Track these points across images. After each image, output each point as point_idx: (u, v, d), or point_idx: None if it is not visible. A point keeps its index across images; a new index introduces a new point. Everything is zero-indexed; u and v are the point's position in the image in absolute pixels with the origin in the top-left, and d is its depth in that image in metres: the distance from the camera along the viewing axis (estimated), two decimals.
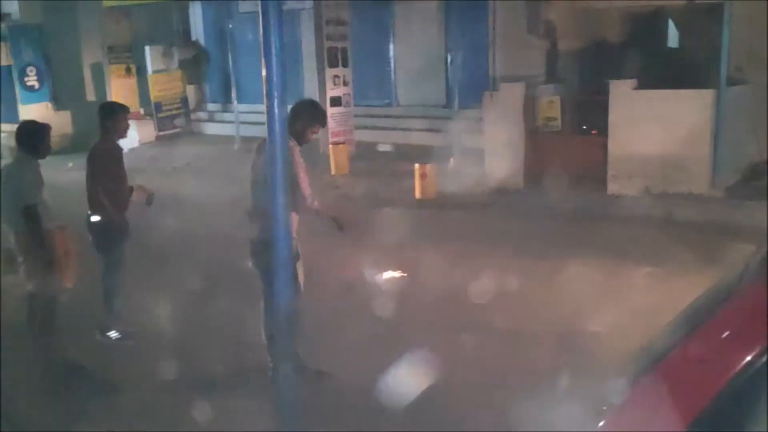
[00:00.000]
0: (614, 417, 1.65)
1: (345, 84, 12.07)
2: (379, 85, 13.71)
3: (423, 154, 10.31)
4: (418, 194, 9.32)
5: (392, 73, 13.80)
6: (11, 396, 4.41)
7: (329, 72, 11.80)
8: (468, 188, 9.28)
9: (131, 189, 5.27)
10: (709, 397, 1.45)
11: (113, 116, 5.18)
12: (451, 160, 10.52)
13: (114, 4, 14.02)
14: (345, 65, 12.04)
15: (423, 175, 9.31)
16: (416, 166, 9.40)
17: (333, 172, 10.86)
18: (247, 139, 12.94)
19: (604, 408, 1.66)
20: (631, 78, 8.96)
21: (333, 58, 11.84)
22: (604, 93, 9.00)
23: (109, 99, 13.65)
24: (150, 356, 5.13)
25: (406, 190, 9.53)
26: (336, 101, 11.91)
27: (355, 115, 12.36)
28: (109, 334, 5.33)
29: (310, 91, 11.98)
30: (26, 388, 4.63)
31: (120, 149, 5.29)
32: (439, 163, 9.62)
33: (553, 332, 4.91)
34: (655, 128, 8.53)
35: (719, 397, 1.44)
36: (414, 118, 13.10)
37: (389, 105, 13.81)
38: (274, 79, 2.29)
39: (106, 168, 5.10)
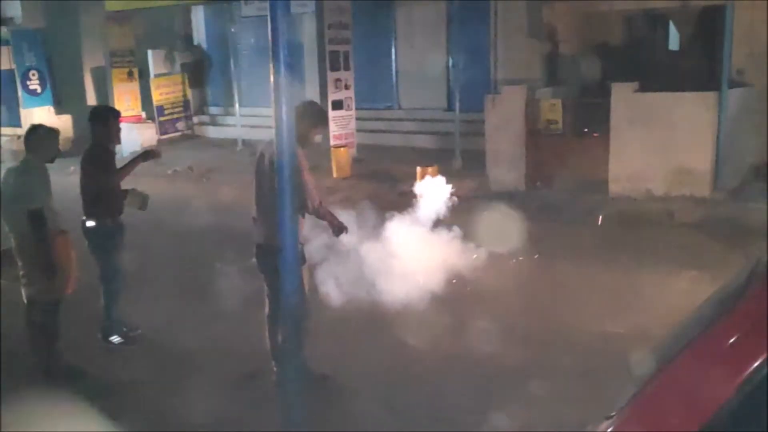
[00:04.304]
0: (622, 419, 1.65)
1: (347, 87, 12.08)
2: (381, 88, 13.73)
3: (425, 156, 10.31)
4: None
5: (394, 76, 13.81)
6: (11, 399, 4.41)
7: (331, 75, 11.81)
8: (470, 191, 9.28)
9: (125, 193, 5.26)
10: (717, 403, 1.44)
11: (104, 121, 5.18)
12: (453, 162, 10.52)
13: (116, 8, 14.05)
14: (347, 68, 12.06)
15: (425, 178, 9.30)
16: (418, 169, 9.39)
17: (335, 174, 10.87)
18: (248, 143, 12.96)
19: (613, 413, 1.66)
20: (633, 80, 8.97)
21: (335, 61, 11.85)
22: (605, 96, 9.01)
23: (111, 103, 13.69)
24: (152, 360, 5.15)
25: (407, 193, 9.52)
26: (338, 104, 11.92)
27: (357, 118, 12.37)
28: (111, 338, 5.34)
29: (312, 95, 11.99)
30: (26, 392, 4.63)
31: (113, 153, 5.28)
32: (441, 166, 9.62)
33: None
34: (656, 131, 8.53)
35: (728, 402, 1.44)
36: (416, 121, 13.13)
37: (391, 108, 13.82)
38: (282, 83, 2.29)
39: (98, 172, 5.09)
